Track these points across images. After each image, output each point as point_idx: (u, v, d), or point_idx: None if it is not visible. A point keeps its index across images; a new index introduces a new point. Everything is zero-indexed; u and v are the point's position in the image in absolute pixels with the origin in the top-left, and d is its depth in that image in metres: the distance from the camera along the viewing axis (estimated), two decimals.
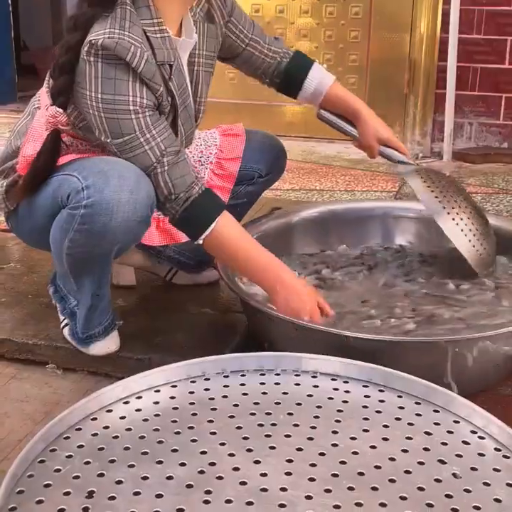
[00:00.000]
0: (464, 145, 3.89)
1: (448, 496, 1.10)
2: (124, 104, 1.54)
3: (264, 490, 1.10)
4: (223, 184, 2.00)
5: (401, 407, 1.33)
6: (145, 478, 1.12)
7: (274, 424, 1.27)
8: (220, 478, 1.12)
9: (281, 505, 1.06)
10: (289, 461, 1.16)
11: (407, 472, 1.15)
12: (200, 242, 1.64)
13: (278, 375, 1.45)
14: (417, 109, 3.95)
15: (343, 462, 1.16)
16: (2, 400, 1.70)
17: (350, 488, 1.10)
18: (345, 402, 1.35)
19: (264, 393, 1.37)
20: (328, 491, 1.10)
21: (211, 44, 1.80)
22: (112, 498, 1.08)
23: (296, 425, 1.26)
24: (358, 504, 1.07)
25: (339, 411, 1.31)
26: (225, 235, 1.64)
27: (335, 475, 1.13)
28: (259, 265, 1.67)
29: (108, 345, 1.77)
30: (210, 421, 1.28)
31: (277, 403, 1.34)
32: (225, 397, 1.36)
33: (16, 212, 1.75)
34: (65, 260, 1.66)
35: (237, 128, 2.06)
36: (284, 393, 1.37)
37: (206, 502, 1.07)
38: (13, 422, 1.61)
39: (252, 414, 1.30)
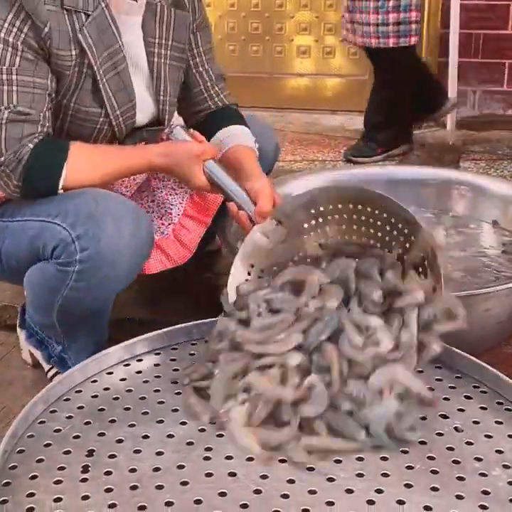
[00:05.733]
0: (467, 113, 3.85)
1: (449, 449, 1.10)
2: None
3: None
4: (200, 217, 1.76)
5: None
6: (145, 436, 1.13)
7: None
8: (220, 436, 1.12)
9: (282, 461, 1.06)
10: None
11: None
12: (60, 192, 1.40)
13: None
14: None
15: None
16: (5, 368, 1.71)
17: None
18: None
19: None
20: None
21: (180, 34, 1.57)
22: (113, 456, 1.08)
23: None
24: (359, 459, 1.07)
25: None
26: (81, 176, 1.41)
27: None
28: (133, 169, 1.49)
29: None
30: None
31: None
32: None
33: None
34: (55, 317, 1.48)
35: None
36: None
37: (206, 458, 1.07)
38: (16, 389, 1.62)
39: None
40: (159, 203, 1.74)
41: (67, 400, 1.23)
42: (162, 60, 1.56)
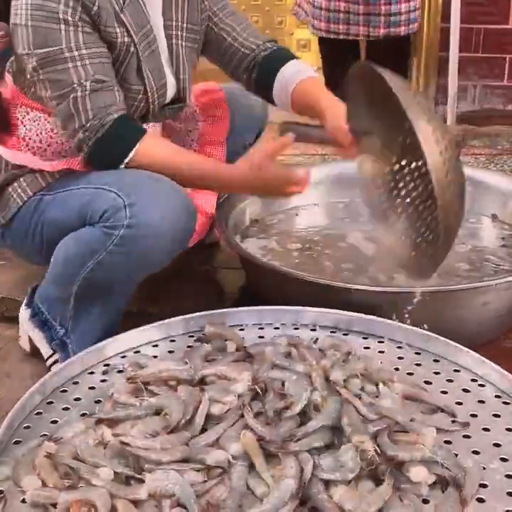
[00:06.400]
0: (468, 108, 3.83)
1: (447, 442, 1.10)
2: (53, 11, 1.41)
3: None
4: None
5: (400, 358, 1.33)
6: None
7: None
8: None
9: None
10: None
11: None
12: (122, 166, 1.48)
13: (277, 328, 1.44)
14: (420, 72, 3.89)
15: None
16: (3, 360, 1.70)
17: None
18: None
19: None
20: None
21: (193, 16, 1.66)
22: None
23: None
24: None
25: None
26: (151, 158, 1.48)
27: None
28: (208, 177, 1.54)
29: None
30: None
31: None
32: None
33: (10, 225, 1.57)
34: (76, 284, 1.48)
35: (218, 103, 1.87)
36: None
37: None
38: (13, 381, 1.61)
39: None
40: None
41: (64, 391, 1.24)
42: (180, 41, 1.63)
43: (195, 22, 1.66)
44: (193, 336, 1.41)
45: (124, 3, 1.49)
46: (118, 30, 1.48)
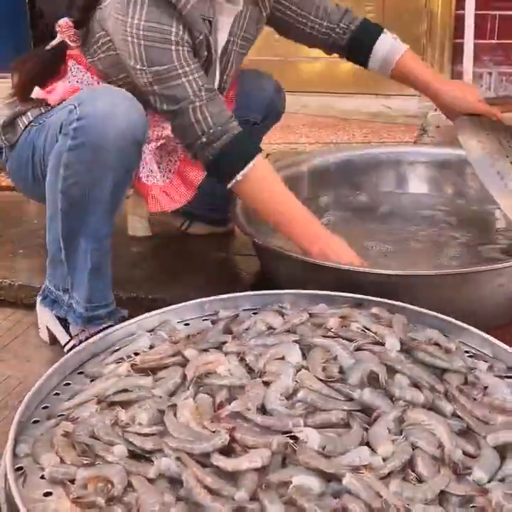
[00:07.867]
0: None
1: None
2: (167, 34, 1.56)
3: None
4: None
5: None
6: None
7: None
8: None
9: None
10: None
11: None
12: (235, 180, 1.61)
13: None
14: (435, 59, 3.88)
15: None
16: (22, 345, 1.73)
17: None
18: None
19: None
20: None
21: (251, 27, 1.80)
22: None
23: None
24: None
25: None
26: (260, 177, 1.63)
27: None
28: (297, 221, 1.65)
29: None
30: None
31: None
32: None
33: (14, 150, 1.70)
34: (59, 203, 1.53)
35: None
36: None
37: None
38: (33, 366, 1.64)
39: None
40: (169, 138, 1.78)
41: (81, 373, 1.26)
42: (233, 48, 1.78)
43: (251, 32, 1.81)
44: (207, 320, 1.42)
45: (210, 27, 1.64)
46: (205, 53, 1.65)
